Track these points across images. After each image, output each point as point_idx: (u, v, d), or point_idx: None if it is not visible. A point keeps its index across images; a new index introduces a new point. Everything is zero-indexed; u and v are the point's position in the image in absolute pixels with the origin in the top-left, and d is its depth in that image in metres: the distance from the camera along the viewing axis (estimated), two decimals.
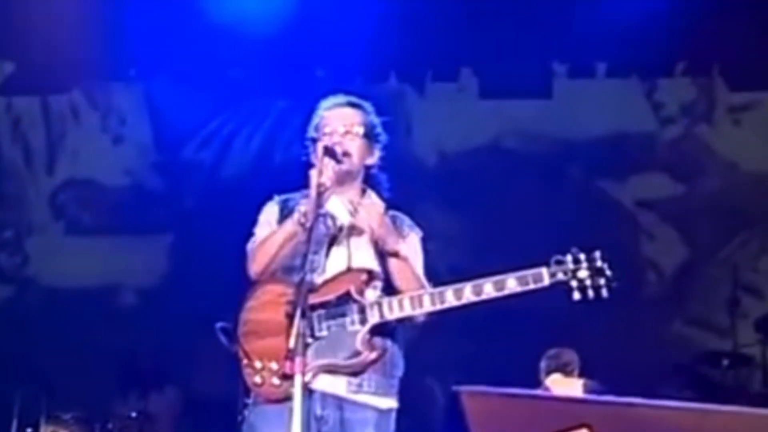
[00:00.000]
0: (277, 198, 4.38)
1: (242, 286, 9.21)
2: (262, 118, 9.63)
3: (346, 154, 4.17)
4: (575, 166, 9.38)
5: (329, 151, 4.09)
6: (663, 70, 9.40)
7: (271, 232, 4.21)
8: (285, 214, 4.26)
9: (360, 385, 4.05)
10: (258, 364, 4.06)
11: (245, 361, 4.08)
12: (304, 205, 4.09)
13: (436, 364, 8.12)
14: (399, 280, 4.14)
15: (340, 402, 4.06)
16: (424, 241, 4.41)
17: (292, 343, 3.69)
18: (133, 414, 7.35)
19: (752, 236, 9.28)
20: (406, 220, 4.33)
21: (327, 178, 4.06)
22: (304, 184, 4.17)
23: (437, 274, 4.45)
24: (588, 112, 9.35)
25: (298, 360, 3.67)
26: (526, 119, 9.30)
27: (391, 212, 4.30)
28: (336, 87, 9.38)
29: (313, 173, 4.04)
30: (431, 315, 4.12)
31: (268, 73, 9.44)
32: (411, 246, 4.25)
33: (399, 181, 9.71)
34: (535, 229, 9.07)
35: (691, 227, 9.33)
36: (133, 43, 9.09)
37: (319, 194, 4.01)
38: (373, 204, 4.25)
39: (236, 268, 9.30)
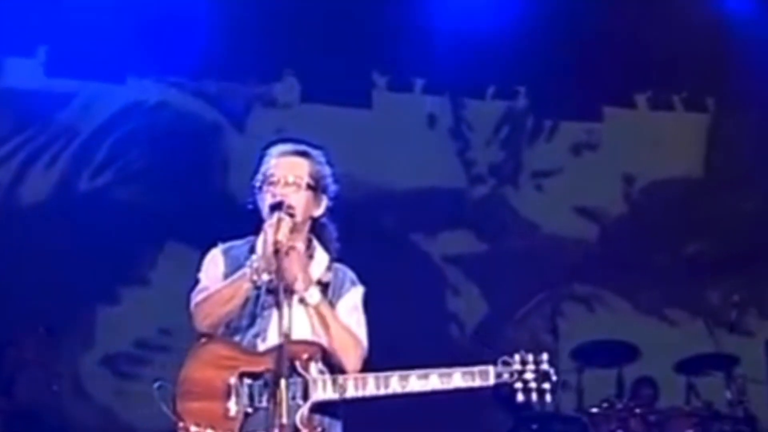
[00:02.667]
0: (220, 246, 3.76)
1: (34, 314, 7.51)
2: (68, 141, 7.73)
3: (290, 207, 3.60)
4: (389, 217, 8.57)
5: (277, 207, 3.57)
6: (475, 91, 8.79)
7: (220, 285, 3.61)
8: (230, 263, 3.67)
9: None
10: (193, 428, 3.47)
11: (180, 423, 3.48)
12: (257, 261, 3.51)
13: None
14: (322, 331, 3.61)
15: None
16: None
17: (285, 418, 3.27)
18: None
19: (549, 298, 8.61)
20: (349, 274, 3.79)
21: (283, 235, 3.49)
22: (253, 231, 3.70)
23: None
24: (406, 129, 8.56)
25: None
26: (344, 157, 7.89)
27: (335, 265, 3.77)
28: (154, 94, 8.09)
29: (269, 230, 3.51)
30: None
31: (74, 75, 8.07)
32: (350, 301, 3.73)
33: (213, 221, 8.13)
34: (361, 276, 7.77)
35: (492, 285, 8.67)
36: None
37: (276, 251, 3.45)
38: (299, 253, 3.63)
39: (29, 297, 7.58)
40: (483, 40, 8.05)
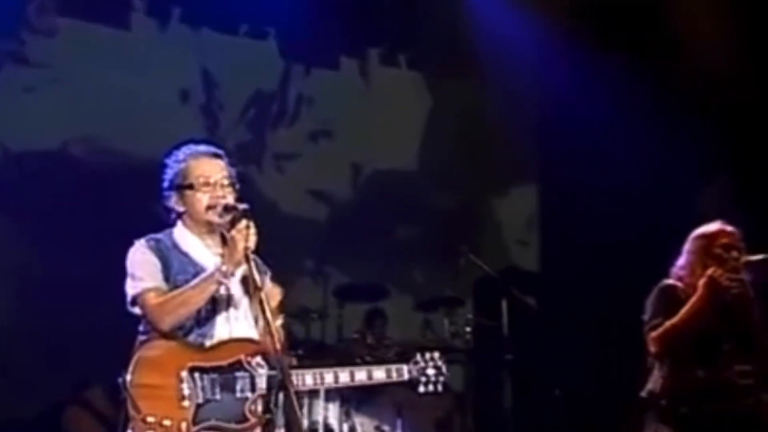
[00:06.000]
0: (144, 241, 3.55)
1: None
2: None
3: (235, 207, 3.51)
4: (138, 184, 7.01)
5: (231, 209, 3.49)
6: (228, 28, 8.09)
7: (186, 287, 3.39)
8: (161, 258, 3.45)
9: None
10: (150, 419, 3.28)
11: (137, 414, 3.27)
12: (225, 265, 3.35)
13: None
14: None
15: None
16: None
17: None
18: None
19: (282, 271, 7.55)
20: (259, 261, 3.58)
21: (252, 242, 3.38)
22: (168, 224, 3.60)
23: None
24: (163, 61, 7.71)
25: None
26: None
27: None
28: None
29: (237, 236, 3.38)
30: None
31: None
32: (267, 286, 3.59)
33: None
34: (97, 243, 6.81)
35: None
36: None
37: (246, 257, 3.34)
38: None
39: None
40: None
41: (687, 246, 4.62)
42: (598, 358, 7.55)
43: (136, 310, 3.48)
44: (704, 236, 4.56)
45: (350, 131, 8.62)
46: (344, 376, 3.57)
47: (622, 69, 7.53)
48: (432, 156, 9.06)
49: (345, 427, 6.04)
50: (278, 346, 3.20)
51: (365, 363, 3.85)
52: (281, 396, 3.21)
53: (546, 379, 7.62)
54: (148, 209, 7.52)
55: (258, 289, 3.27)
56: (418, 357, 3.69)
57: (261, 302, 3.25)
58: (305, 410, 4.58)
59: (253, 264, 3.37)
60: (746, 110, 7.28)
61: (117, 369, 6.38)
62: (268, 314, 3.24)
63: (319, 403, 6.04)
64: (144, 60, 7.68)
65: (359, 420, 6.16)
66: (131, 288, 3.46)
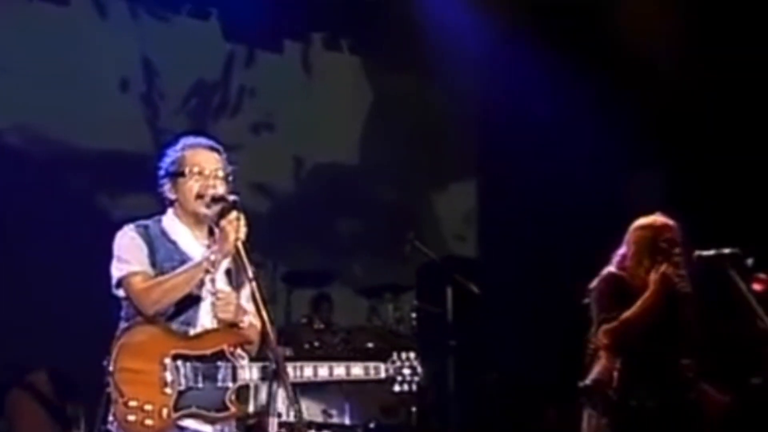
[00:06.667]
0: (134, 227, 3.51)
1: None
2: None
3: (224, 198, 3.50)
4: (76, 174, 7.48)
5: (220, 199, 3.46)
6: (170, 7, 8.03)
7: (174, 273, 3.41)
8: (149, 244, 3.44)
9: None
10: (132, 403, 3.33)
11: (120, 398, 3.32)
12: (214, 255, 3.40)
13: None
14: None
15: None
16: None
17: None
18: None
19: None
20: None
21: (243, 233, 3.35)
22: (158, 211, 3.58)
23: None
24: (102, 46, 7.55)
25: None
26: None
27: None
28: None
29: (228, 227, 3.37)
30: None
31: None
32: (249, 288, 3.51)
33: None
34: (36, 232, 6.83)
35: None
36: None
37: (236, 248, 3.34)
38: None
39: None
40: None
41: (630, 236, 4.59)
42: (536, 345, 7.67)
43: (121, 293, 3.46)
44: (650, 228, 4.53)
45: (292, 124, 8.52)
46: (323, 371, 3.59)
47: (563, 67, 7.61)
48: (373, 150, 9.04)
49: (292, 410, 5.90)
50: (272, 336, 3.21)
51: (345, 359, 3.82)
52: (275, 386, 3.22)
53: (487, 364, 7.71)
54: (87, 199, 7.37)
55: (250, 280, 3.25)
56: (395, 356, 3.73)
57: (253, 293, 3.28)
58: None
59: (244, 255, 3.35)
60: (682, 107, 7.41)
61: (62, 354, 6.18)
62: (261, 305, 3.23)
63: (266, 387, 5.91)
64: (83, 45, 7.46)
65: (306, 404, 6.03)
66: (117, 270, 3.43)
